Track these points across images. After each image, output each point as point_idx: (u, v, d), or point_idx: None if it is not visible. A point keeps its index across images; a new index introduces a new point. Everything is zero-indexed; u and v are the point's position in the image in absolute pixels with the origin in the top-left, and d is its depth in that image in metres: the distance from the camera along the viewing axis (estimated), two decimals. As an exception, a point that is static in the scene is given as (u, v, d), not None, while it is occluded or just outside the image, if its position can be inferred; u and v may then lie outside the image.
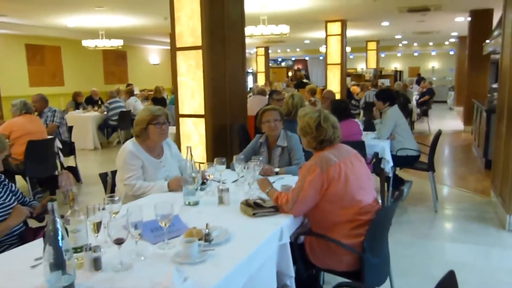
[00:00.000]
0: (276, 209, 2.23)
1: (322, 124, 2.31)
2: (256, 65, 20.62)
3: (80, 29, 12.20)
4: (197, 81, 5.01)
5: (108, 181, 3.01)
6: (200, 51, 4.91)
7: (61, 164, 5.86)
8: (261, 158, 2.79)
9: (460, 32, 14.83)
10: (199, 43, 4.89)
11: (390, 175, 4.68)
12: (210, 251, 1.71)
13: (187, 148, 2.51)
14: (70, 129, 6.58)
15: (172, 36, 5.06)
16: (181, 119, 5.22)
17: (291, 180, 2.75)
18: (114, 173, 3.00)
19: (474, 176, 6.30)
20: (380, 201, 4.67)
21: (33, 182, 5.28)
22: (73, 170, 5.94)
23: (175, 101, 5.26)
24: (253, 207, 2.19)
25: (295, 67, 25.99)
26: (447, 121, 13.08)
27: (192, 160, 2.47)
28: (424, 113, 11.61)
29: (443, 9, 9.87)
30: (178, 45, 5.06)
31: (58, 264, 1.30)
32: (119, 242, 1.59)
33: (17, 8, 9.24)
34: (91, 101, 10.74)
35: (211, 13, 4.83)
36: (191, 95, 5.09)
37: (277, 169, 3.11)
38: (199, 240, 1.82)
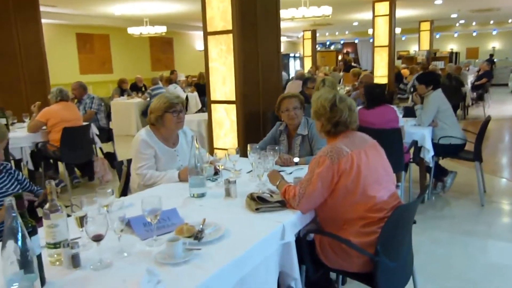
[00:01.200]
0: (283, 204, 2.06)
1: (337, 104, 2.11)
2: (303, 49, 20.13)
3: (126, 17, 12.44)
4: (228, 67, 4.89)
5: (123, 170, 2.97)
6: (230, 35, 4.78)
7: (100, 150, 5.99)
8: (277, 148, 2.61)
9: (525, 8, 13.58)
10: (230, 27, 4.75)
11: (431, 165, 4.32)
12: (196, 250, 1.58)
13: (191, 137, 2.38)
14: (108, 115, 6.70)
15: (204, 20, 4.95)
16: (212, 105, 5.14)
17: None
18: (130, 161, 2.95)
19: (532, 167, 5.73)
20: (418, 193, 4.40)
21: (71, 167, 5.44)
22: (111, 156, 6.05)
23: (206, 87, 5.17)
24: (257, 202, 2.03)
25: (344, 51, 25.21)
26: (507, 106, 12.10)
27: (198, 149, 2.34)
28: (480, 98, 10.79)
29: (503, -17, 9.02)
30: (209, 29, 4.95)
31: (20, 263, 1.22)
32: (97, 239, 1.50)
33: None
34: (136, 88, 10.96)
35: (242, -5, 4.66)
36: (222, 81, 4.98)
37: (297, 159, 2.92)
38: (189, 237, 1.70)
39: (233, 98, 4.91)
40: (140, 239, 1.77)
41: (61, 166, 5.55)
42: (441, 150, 4.38)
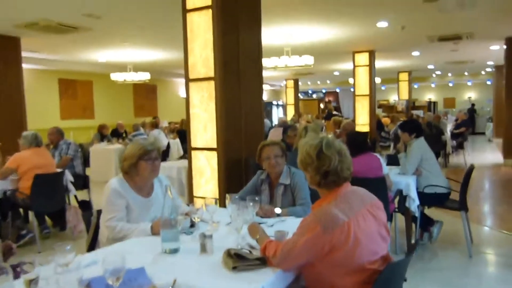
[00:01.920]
0: (263, 262, 1.88)
1: (324, 151, 1.89)
2: (286, 97, 20.46)
3: (110, 64, 12.50)
4: (209, 113, 4.81)
5: (92, 222, 2.76)
6: (212, 82, 4.74)
7: (75, 198, 5.72)
8: (257, 198, 2.46)
9: (497, 61, 14.17)
10: (212, 74, 4.72)
11: (417, 214, 4.21)
12: (162, 319, 1.39)
13: (165, 187, 2.22)
14: (86, 161, 6.49)
15: (186, 66, 4.92)
16: (193, 152, 5.01)
17: (293, 224, 2.37)
18: (100, 212, 2.74)
19: (516, 215, 5.67)
20: (406, 245, 4.25)
21: (41, 217, 5.15)
22: (86, 205, 5.78)
23: (187, 133, 5.06)
24: (234, 259, 1.85)
25: (326, 99, 25.72)
26: (486, 154, 12.30)
27: (173, 199, 2.17)
28: (460, 146, 10.93)
29: (476, 37, 9.41)
30: (190, 76, 4.91)
31: None
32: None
33: (48, 44, 9.53)
34: (117, 134, 10.80)
35: (225, 44, 4.67)
36: (204, 127, 4.88)
37: (279, 210, 2.76)
38: (156, 302, 1.50)
39: (214, 145, 4.80)
40: (101, 304, 1.56)
41: (31, 215, 5.25)
42: (426, 199, 4.28)
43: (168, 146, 10.15)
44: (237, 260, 1.84)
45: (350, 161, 1.96)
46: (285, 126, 6.38)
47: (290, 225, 2.44)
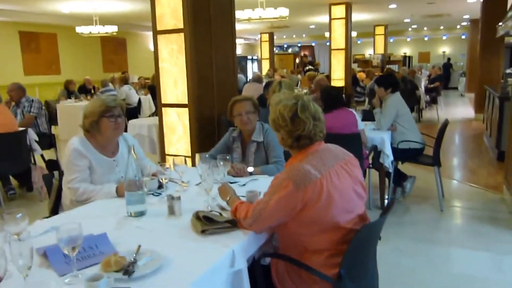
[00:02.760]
0: (234, 224, 1.79)
1: (299, 114, 1.76)
2: (261, 51, 20.02)
3: (75, 15, 11.77)
4: (179, 68, 4.57)
5: (54, 184, 2.60)
6: (182, 35, 4.47)
7: (42, 157, 5.49)
8: (228, 157, 2.34)
9: (473, 15, 14.11)
10: (181, 26, 4.45)
11: (391, 170, 4.21)
12: (124, 290, 1.28)
13: (128, 147, 2.06)
14: (51, 119, 6.18)
15: (153, 18, 4.62)
16: (163, 109, 4.81)
17: (266, 183, 2.27)
18: (63, 174, 2.58)
19: (486, 169, 5.78)
20: (379, 201, 4.28)
21: (5, 178, 4.92)
22: (54, 164, 5.55)
23: (157, 89, 4.83)
24: (203, 222, 1.75)
25: (302, 54, 25.36)
26: (458, 109, 12.48)
27: (136, 159, 2.02)
28: (433, 101, 11.02)
29: (454, -11, 9.24)
30: (158, 27, 4.62)
31: None
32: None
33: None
34: (85, 90, 10.35)
35: (195, -7, 4.38)
36: (174, 82, 4.66)
37: (251, 169, 2.65)
38: (118, 271, 1.39)
39: (186, 101, 4.61)
40: (57, 275, 1.44)
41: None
42: (400, 154, 4.28)
43: (139, 102, 9.82)
44: (206, 223, 1.74)
45: (323, 124, 1.87)
46: (266, 82, 6.20)
47: (262, 184, 2.35)
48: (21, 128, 4.91)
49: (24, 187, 5.23)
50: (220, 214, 1.86)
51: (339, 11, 10.99)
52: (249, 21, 9.27)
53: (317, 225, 1.70)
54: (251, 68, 24.39)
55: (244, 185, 2.44)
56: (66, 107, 9.25)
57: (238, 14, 9.03)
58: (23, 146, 4.79)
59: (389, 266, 3.07)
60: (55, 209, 2.54)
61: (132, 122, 5.82)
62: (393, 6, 12.07)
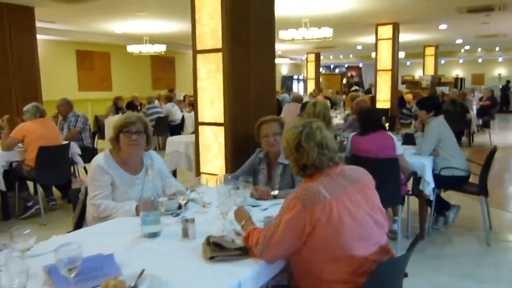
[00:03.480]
0: (245, 252, 1.70)
1: (302, 143, 1.73)
2: (307, 71, 19.97)
3: (126, 34, 12.33)
4: (217, 87, 4.59)
5: (80, 199, 2.63)
6: (220, 54, 4.51)
7: (85, 170, 5.68)
8: (250, 179, 2.27)
9: (532, 35, 13.35)
10: (220, 46, 4.49)
11: (432, 198, 3.95)
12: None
13: (145, 165, 2.05)
14: (99, 134, 6.40)
15: (193, 38, 4.69)
16: (200, 127, 4.84)
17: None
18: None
19: (541, 201, 5.32)
20: (419, 229, 4.02)
21: (48, 189, 5.12)
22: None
23: (194, 108, 4.88)
24: (212, 248, 1.67)
25: (349, 74, 25.06)
26: (514, 134, 11.72)
27: (153, 178, 2.00)
28: (486, 125, 10.42)
29: (510, 8, 8.76)
30: (198, 47, 4.68)
31: None
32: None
33: (64, 15, 9.40)
34: (132, 106, 10.72)
35: (234, 13, 4.40)
36: (211, 101, 4.68)
37: (275, 192, 2.56)
38: (116, 296, 1.35)
39: (222, 120, 4.61)
40: (58, 295, 1.42)
41: (40, 187, 5.23)
42: (442, 182, 4.01)
43: (183, 119, 10.03)
44: (215, 250, 1.66)
45: (334, 151, 1.79)
46: (304, 102, 6.14)
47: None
48: (65, 142, 5.11)
49: (65, 198, 5.42)
50: (233, 240, 1.78)
51: (385, 31, 10.77)
52: (292, 42, 9.26)
53: (328, 251, 1.60)
54: (297, 88, 24.41)
55: (266, 209, 2.36)
56: (113, 122, 9.58)
57: (282, 34, 9.06)
58: (66, 158, 4.97)
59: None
60: (79, 225, 2.57)
61: (170, 139, 5.92)
62: (443, 26, 11.66)
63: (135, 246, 1.85)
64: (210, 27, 4.55)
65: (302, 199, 1.59)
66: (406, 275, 1.81)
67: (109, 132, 9.53)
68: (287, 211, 1.63)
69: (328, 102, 4.00)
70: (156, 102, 10.32)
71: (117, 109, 10.24)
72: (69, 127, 5.82)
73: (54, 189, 5.37)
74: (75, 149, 5.27)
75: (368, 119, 3.72)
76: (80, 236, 2.00)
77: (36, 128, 4.72)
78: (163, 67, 15.89)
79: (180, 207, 2.33)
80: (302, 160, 1.73)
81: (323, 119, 3.63)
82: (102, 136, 9.71)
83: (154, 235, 1.95)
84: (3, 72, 6.46)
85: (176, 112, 9.89)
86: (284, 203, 1.69)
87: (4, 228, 4.51)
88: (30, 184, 5.03)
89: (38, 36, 8.16)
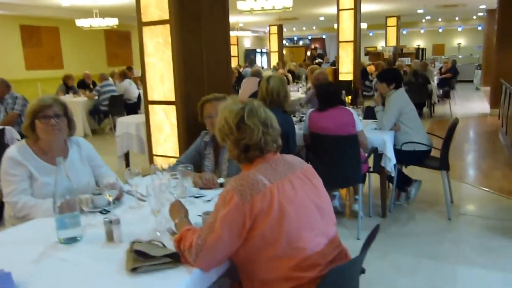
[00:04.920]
0: (176, 258, 1.44)
1: (246, 120, 1.52)
2: (269, 44, 19.58)
3: (75, 8, 11.51)
4: (165, 62, 4.23)
5: (-4, 195, 2.28)
6: (167, 26, 4.13)
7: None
8: (189, 167, 2.00)
9: (489, 4, 13.45)
10: (167, 17, 4.10)
11: (393, 174, 3.81)
12: None
13: (57, 160, 1.71)
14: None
15: (138, 8, 4.28)
16: (150, 106, 4.48)
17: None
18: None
19: (500, 171, 5.32)
20: (380, 208, 3.90)
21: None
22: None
23: (143, 85, 4.51)
24: (134, 257, 1.40)
25: (312, 46, 24.84)
26: (473, 103, 11.90)
27: (64, 173, 1.68)
28: (446, 95, 10.50)
29: (469, -24, 8.69)
30: (143, 19, 4.28)
31: None
32: None
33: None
34: (84, 85, 10.09)
35: (181, -21, 4.02)
36: (160, 78, 4.32)
37: (222, 180, 2.30)
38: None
39: (173, 98, 4.27)
40: None
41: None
42: (404, 157, 3.87)
43: (139, 98, 9.53)
44: (138, 259, 1.39)
45: (277, 133, 1.58)
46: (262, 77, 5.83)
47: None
48: (1, 127, 4.64)
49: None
50: (163, 244, 1.51)
51: (347, 1, 10.52)
52: (251, 13, 8.87)
53: (269, 248, 1.38)
54: (260, 62, 24.01)
55: (210, 200, 2.09)
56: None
57: (240, 5, 8.65)
58: (1, 145, 4.51)
59: (386, 286, 2.71)
60: (-4, 225, 2.23)
61: (120, 120, 5.52)
62: (405, -5, 11.54)
63: (46, 257, 1.54)
64: (156, -4, 4.16)
65: (239, 190, 1.38)
66: (363, 272, 1.61)
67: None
68: (222, 206, 1.40)
69: (283, 77, 3.71)
70: (110, 79, 9.75)
71: (67, 88, 9.60)
72: (6, 110, 5.30)
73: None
74: (12, 134, 4.80)
75: (326, 94, 3.49)
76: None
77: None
78: (118, 43, 15.10)
79: (114, 201, 2.03)
80: (245, 139, 1.51)
81: (277, 95, 3.36)
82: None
83: (72, 240, 1.64)
84: None
85: (133, 90, 9.39)
86: (219, 198, 1.45)
87: None
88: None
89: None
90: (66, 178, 1.65)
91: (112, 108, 8.85)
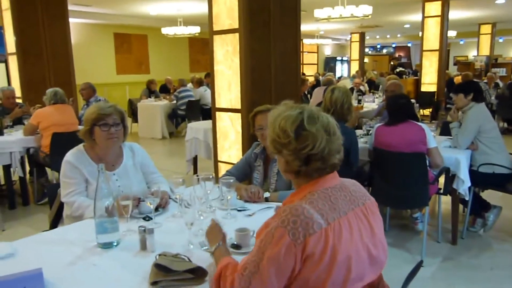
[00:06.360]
0: (200, 274, 1.40)
1: (306, 126, 1.31)
2: (350, 52, 19.12)
3: (161, 17, 12.22)
4: (234, 70, 4.30)
5: (58, 194, 2.43)
6: (237, 35, 4.18)
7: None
8: (232, 181, 1.96)
9: None
10: (236, 26, 4.16)
11: (467, 198, 3.46)
12: None
13: (98, 167, 1.77)
14: (132, 117, 6.25)
15: (210, 17, 4.41)
16: (217, 113, 4.58)
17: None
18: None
19: None
20: (451, 234, 3.55)
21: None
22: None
23: (211, 93, 4.61)
24: (155, 271, 1.39)
25: (396, 55, 23.81)
26: None
27: (105, 180, 1.73)
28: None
29: None
30: (214, 28, 4.39)
31: None
32: None
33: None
34: (165, 90, 10.63)
35: (252, -11, 4.07)
36: (228, 86, 4.40)
37: (267, 194, 2.23)
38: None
39: (239, 106, 4.32)
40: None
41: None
42: (481, 180, 3.49)
43: (215, 103, 9.79)
44: (159, 273, 1.37)
45: (341, 142, 1.35)
46: (326, 85, 5.67)
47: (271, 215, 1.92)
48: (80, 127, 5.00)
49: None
50: (188, 259, 1.48)
51: (434, 8, 9.92)
52: (328, 20, 8.71)
53: None
54: (341, 70, 23.54)
55: (251, 214, 2.03)
56: (146, 106, 9.56)
57: (317, 13, 8.55)
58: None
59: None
60: (55, 223, 2.38)
61: (190, 125, 5.71)
62: (501, 1, 10.58)
63: (80, 260, 1.60)
64: (227, 6, 4.25)
65: (291, 228, 1.19)
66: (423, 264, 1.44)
67: (142, 115, 9.52)
68: (269, 244, 1.21)
69: (348, 89, 3.55)
70: (189, 85, 10.16)
71: (150, 92, 10.18)
72: (90, 112, 5.72)
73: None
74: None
75: (396, 106, 3.25)
76: (28, 243, 1.78)
77: (52, 114, 4.63)
78: (200, 50, 15.74)
79: (157, 209, 2.07)
80: (306, 148, 1.29)
81: (341, 107, 3.22)
82: (135, 120, 9.72)
83: (108, 245, 1.69)
84: (39, 61, 6.46)
85: (207, 96, 9.68)
86: (264, 232, 1.25)
87: (23, 214, 4.51)
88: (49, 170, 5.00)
89: (75, 20, 8.16)
90: (106, 184, 1.70)
91: (189, 113, 9.20)
